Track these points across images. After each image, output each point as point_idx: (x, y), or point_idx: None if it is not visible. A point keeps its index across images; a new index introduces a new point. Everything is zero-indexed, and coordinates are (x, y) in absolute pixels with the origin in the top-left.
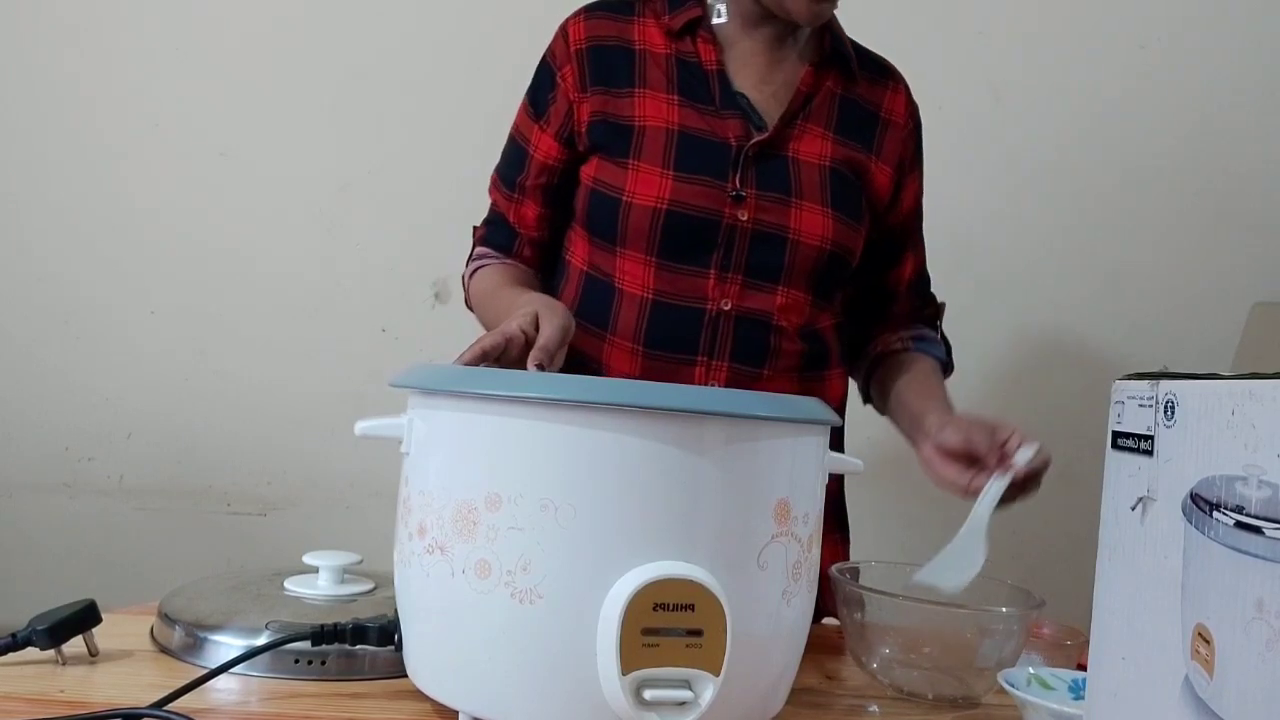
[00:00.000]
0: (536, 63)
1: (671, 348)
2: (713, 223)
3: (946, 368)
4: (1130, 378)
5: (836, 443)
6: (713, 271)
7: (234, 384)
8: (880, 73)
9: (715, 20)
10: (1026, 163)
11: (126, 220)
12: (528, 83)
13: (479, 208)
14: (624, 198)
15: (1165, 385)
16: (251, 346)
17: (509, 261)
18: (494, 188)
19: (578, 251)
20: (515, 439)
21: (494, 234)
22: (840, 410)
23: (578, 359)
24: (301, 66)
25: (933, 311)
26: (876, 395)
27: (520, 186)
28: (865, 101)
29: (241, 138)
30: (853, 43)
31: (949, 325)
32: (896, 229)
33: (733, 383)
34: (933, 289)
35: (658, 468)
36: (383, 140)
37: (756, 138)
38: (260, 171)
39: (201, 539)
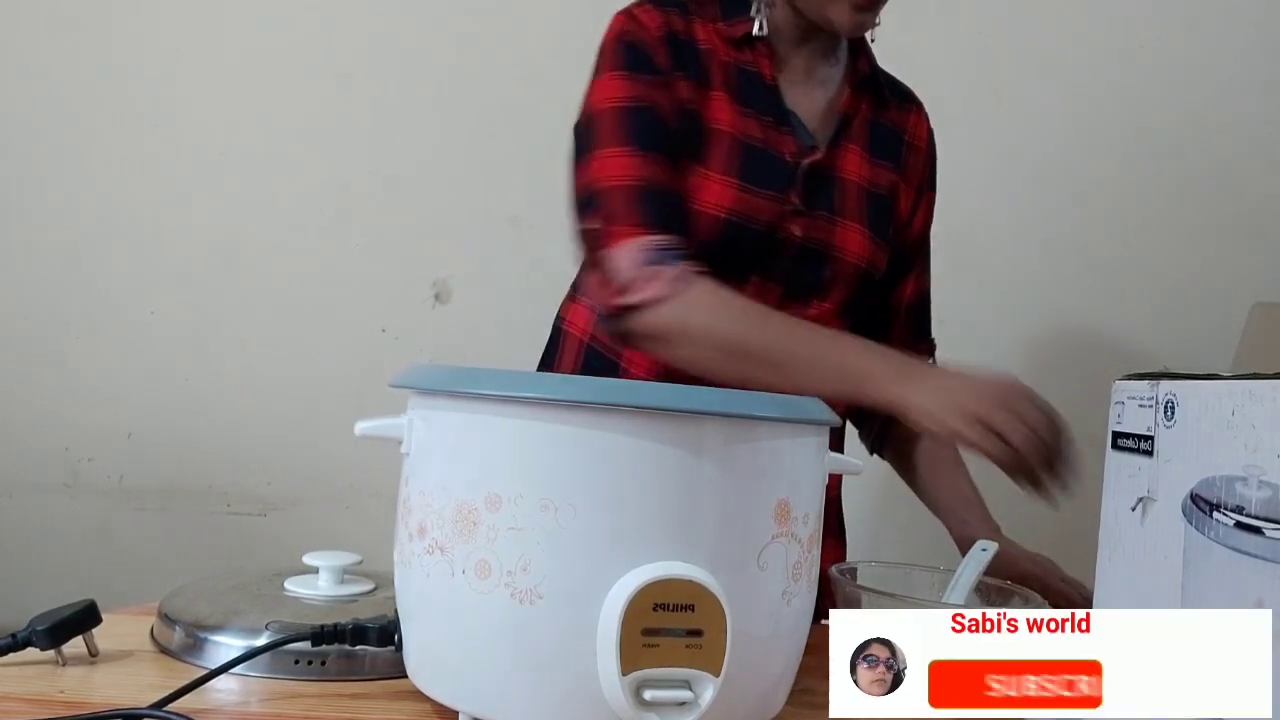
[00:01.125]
0: (536, 63)
1: None
2: (769, 235)
3: None
4: (1130, 378)
5: (837, 444)
6: (754, 282)
7: (234, 384)
8: (904, 98)
9: (756, 32)
10: (1026, 163)
11: (126, 220)
12: (528, 82)
13: (479, 208)
14: (691, 204)
15: (1165, 385)
16: (251, 346)
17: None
18: (634, 157)
19: None
20: (515, 439)
21: (660, 209)
22: (843, 413)
23: (609, 360)
24: (301, 66)
25: (926, 349)
26: (893, 459)
27: (675, 155)
28: (893, 125)
29: (241, 138)
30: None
31: (950, 325)
32: (906, 249)
33: None
34: (932, 291)
35: (658, 468)
36: (383, 140)
37: (811, 156)
38: (260, 171)
39: (201, 539)
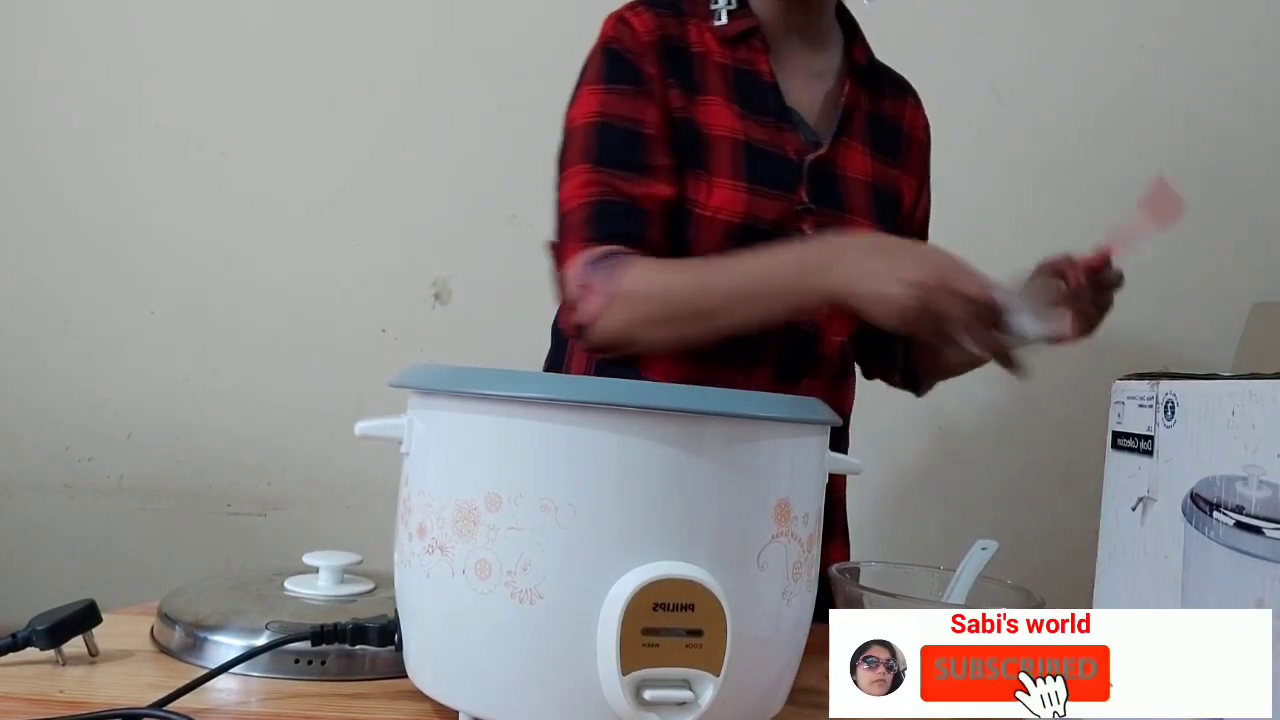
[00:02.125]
0: (537, 62)
1: (717, 357)
2: (780, 235)
3: None
4: (1130, 378)
5: (840, 445)
6: None
7: (234, 384)
8: (900, 89)
9: (716, 24)
10: (1026, 163)
11: (126, 220)
12: (528, 81)
13: (479, 208)
14: (697, 210)
15: (1165, 385)
16: (251, 346)
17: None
18: (593, 174)
19: None
20: (515, 439)
21: (619, 224)
22: (847, 415)
23: (623, 364)
24: (301, 67)
25: None
26: (919, 362)
27: (646, 167)
28: (891, 117)
29: (241, 138)
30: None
31: None
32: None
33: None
34: None
35: (658, 468)
36: (382, 140)
37: (814, 153)
38: (260, 172)
39: (201, 539)
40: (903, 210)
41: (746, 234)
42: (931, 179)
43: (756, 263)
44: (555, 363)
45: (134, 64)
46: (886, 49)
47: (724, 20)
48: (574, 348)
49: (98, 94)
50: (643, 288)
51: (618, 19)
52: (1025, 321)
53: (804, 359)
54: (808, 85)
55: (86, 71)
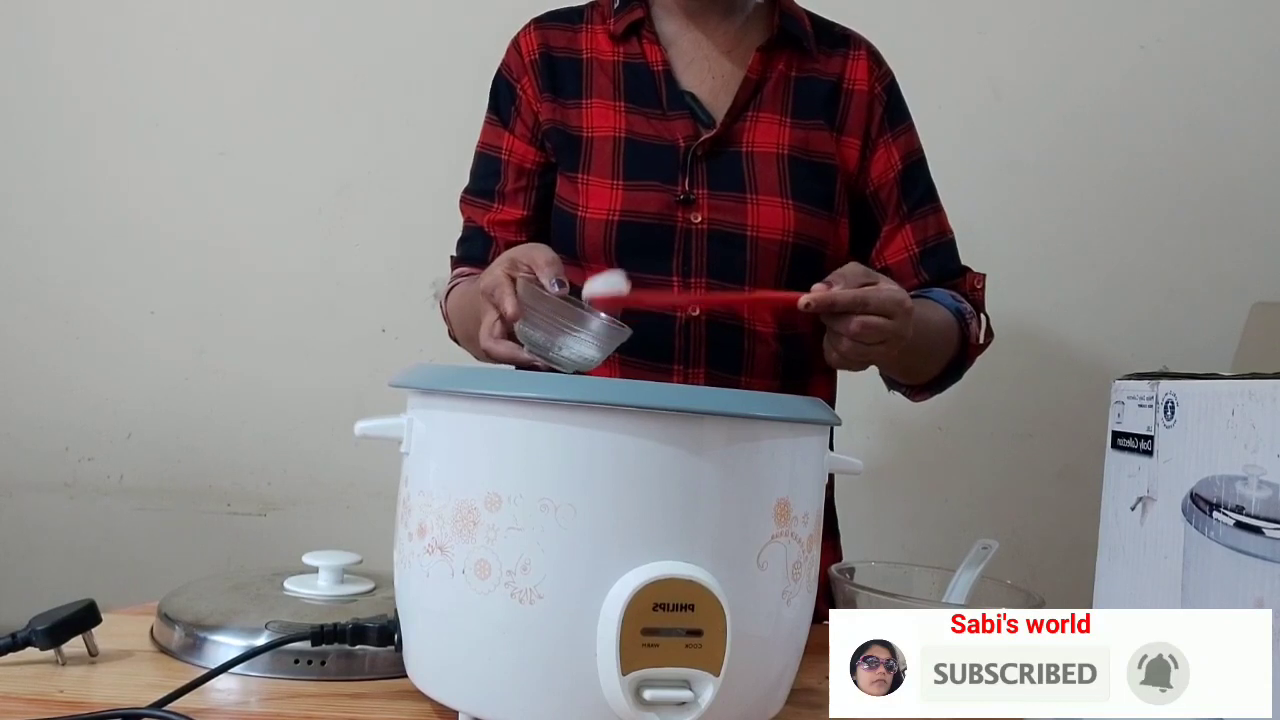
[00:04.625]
0: None
1: (646, 356)
2: (666, 229)
3: (963, 320)
4: (1130, 378)
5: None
6: (675, 278)
7: (234, 384)
8: (839, 43)
9: (588, 21)
10: (1026, 163)
11: (126, 220)
12: None
13: None
14: (577, 213)
15: (1165, 385)
16: (251, 346)
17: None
18: (465, 205)
19: None
20: (515, 439)
21: (469, 249)
22: None
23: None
24: (301, 66)
25: (954, 285)
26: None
27: (499, 194)
28: (824, 76)
29: (241, 138)
30: (812, 16)
31: None
32: (871, 202)
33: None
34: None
35: (658, 468)
36: (383, 141)
37: (704, 135)
38: (260, 171)
39: (201, 539)
40: (845, 173)
41: (629, 231)
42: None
43: (466, 295)
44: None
45: (134, 63)
46: (888, 49)
47: (589, 19)
48: None
49: (98, 93)
50: (452, 309)
51: (513, 41)
52: (535, 336)
53: (736, 356)
54: (713, 65)
55: (86, 71)
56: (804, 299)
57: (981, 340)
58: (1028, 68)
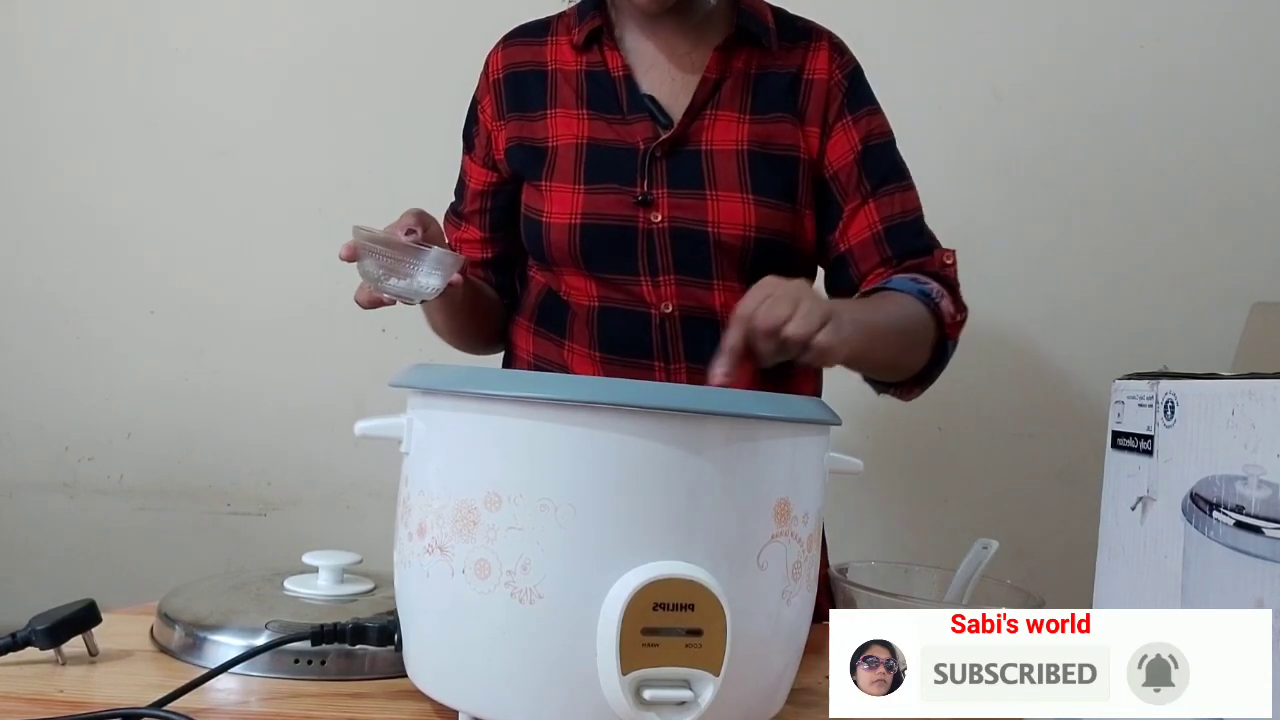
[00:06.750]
0: None
1: (627, 352)
2: (628, 230)
3: (931, 301)
4: (1130, 378)
5: None
6: (643, 277)
7: (234, 384)
8: (800, 36)
9: (555, 34)
10: (1026, 163)
11: (126, 220)
12: None
13: None
14: (543, 219)
15: (1165, 385)
16: (251, 346)
17: None
18: (445, 221)
19: (534, 265)
20: (515, 439)
21: None
22: None
23: (546, 366)
24: (301, 66)
25: (920, 263)
26: None
27: (463, 214)
28: (784, 70)
29: (241, 138)
30: (777, 11)
31: None
32: (831, 185)
33: (695, 383)
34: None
35: (658, 468)
36: (383, 140)
37: (662, 136)
38: (260, 171)
39: (201, 539)
40: (809, 163)
41: (592, 233)
42: (930, 178)
43: None
44: (506, 362)
45: (134, 64)
46: (888, 48)
47: (558, 31)
48: (515, 350)
49: (98, 94)
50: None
51: (486, 59)
52: (372, 271)
53: (713, 348)
54: (673, 68)
55: (86, 71)
56: (714, 381)
57: (957, 316)
58: (1028, 68)
